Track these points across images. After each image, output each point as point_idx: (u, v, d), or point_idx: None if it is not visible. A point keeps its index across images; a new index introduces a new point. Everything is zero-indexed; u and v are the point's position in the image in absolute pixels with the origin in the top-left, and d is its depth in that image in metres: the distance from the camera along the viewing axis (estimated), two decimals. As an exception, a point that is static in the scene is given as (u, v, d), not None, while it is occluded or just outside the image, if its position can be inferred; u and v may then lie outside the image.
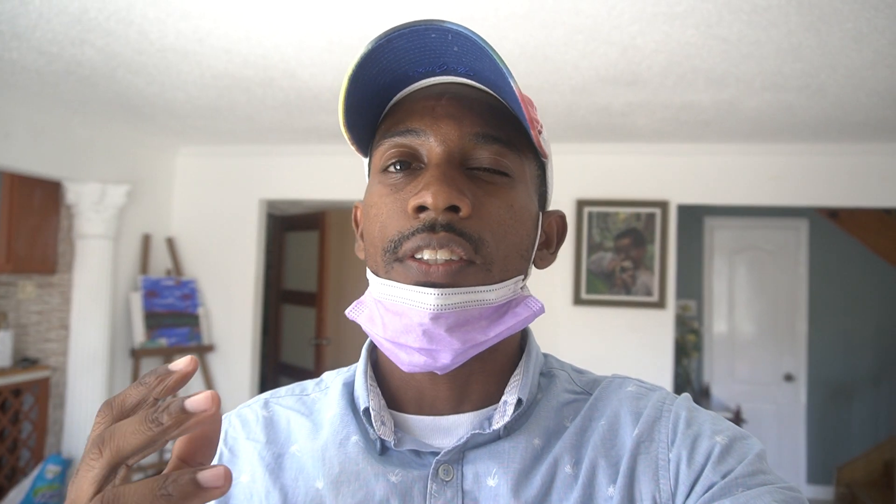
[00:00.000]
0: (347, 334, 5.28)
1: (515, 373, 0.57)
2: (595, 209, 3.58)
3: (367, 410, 0.55)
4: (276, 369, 5.04)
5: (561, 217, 0.62)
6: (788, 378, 4.70)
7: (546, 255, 0.61)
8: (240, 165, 3.99)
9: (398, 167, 0.53)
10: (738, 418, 3.84)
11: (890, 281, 4.60)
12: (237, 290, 3.93)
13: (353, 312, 0.56)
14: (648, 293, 3.49)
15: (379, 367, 0.60)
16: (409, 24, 0.48)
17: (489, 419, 0.55)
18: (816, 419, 4.65)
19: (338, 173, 3.84)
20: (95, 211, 3.41)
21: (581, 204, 3.58)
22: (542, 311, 0.54)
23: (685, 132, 3.23)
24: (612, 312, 3.53)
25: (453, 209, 0.49)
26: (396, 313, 0.50)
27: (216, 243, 3.98)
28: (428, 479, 0.52)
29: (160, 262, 3.93)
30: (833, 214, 4.64)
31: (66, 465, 3.24)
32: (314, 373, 4.43)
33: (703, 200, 3.58)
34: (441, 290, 0.48)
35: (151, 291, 3.69)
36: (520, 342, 0.60)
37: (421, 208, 0.49)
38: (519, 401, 0.55)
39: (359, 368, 0.60)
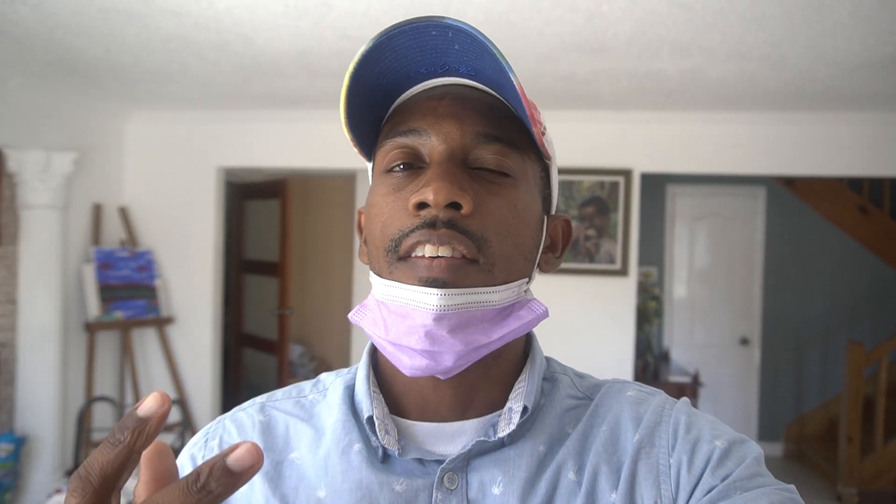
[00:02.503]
0: (311, 304, 5.24)
1: (520, 379, 0.57)
2: (560, 177, 3.56)
3: (370, 419, 0.54)
4: (238, 340, 4.98)
5: (566, 221, 0.61)
6: (744, 342, 4.86)
7: (551, 258, 0.60)
8: (195, 132, 3.83)
9: (401, 167, 0.53)
10: (696, 382, 3.96)
11: (841, 247, 4.76)
12: (196, 260, 3.82)
13: (357, 316, 0.55)
14: (611, 261, 3.52)
15: (380, 371, 0.58)
16: (409, 21, 0.48)
17: (494, 426, 0.55)
18: (769, 380, 4.85)
19: (298, 140, 3.74)
20: (41, 180, 3.24)
21: (546, 172, 3.57)
22: (545, 314, 0.53)
23: (649, 100, 3.22)
24: (576, 280, 3.57)
25: (455, 206, 0.49)
26: (400, 315, 0.50)
27: (173, 212, 3.84)
28: (433, 488, 0.51)
29: (113, 233, 3.79)
30: (789, 182, 4.75)
31: (19, 443, 3.15)
32: (278, 343, 4.38)
33: (666, 169, 3.61)
34: (444, 290, 0.48)
35: (105, 263, 3.56)
36: (524, 347, 0.60)
37: (422, 205, 0.49)
38: (525, 408, 0.54)
39: (360, 373, 0.58)
